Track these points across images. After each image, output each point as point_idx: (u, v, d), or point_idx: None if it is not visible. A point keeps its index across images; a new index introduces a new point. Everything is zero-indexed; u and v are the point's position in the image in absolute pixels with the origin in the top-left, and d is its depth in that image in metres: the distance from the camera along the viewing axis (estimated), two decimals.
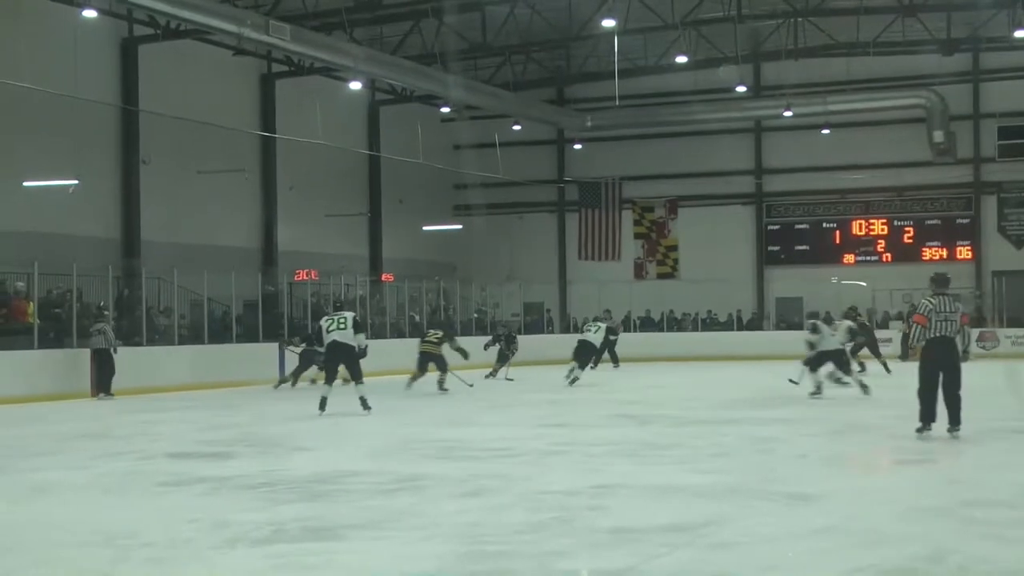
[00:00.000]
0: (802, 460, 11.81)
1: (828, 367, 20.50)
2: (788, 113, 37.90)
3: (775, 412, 16.63)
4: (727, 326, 40.89)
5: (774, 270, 42.40)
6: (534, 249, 44.84)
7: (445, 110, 39.55)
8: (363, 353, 17.92)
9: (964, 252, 40.60)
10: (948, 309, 12.88)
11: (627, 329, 38.24)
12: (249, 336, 28.90)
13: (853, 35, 36.56)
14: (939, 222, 40.92)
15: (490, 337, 29.17)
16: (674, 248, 43.88)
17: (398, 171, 38.56)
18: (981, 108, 40.31)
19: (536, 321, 41.10)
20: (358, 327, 18.02)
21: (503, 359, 28.11)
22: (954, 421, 12.95)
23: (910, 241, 41.09)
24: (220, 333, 28.34)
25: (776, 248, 42.88)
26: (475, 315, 38.34)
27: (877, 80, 39.34)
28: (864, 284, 39.41)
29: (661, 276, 43.56)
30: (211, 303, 28.40)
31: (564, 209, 45.26)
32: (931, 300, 13.01)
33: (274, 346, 27.54)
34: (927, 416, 13.03)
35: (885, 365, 28.11)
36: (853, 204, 41.84)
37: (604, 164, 43.60)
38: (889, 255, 41.27)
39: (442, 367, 23.36)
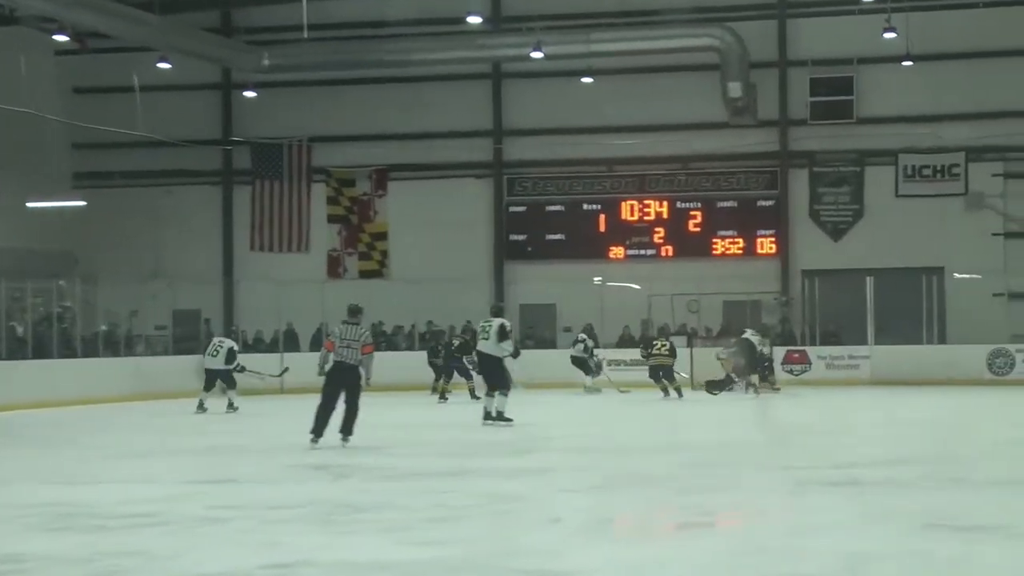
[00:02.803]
0: (556, 525, 11.94)
1: None
2: (538, 54, 38.32)
3: (523, 460, 16.72)
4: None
5: (518, 267, 43.01)
6: (189, 235, 44.35)
7: (61, 38, 38.50)
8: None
9: (767, 245, 41.81)
10: (351, 337, 19.58)
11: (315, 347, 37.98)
12: None
13: None
14: (735, 204, 42.08)
15: None
16: (382, 236, 44.11)
17: None
18: (789, 54, 41.69)
19: (188, 335, 40.44)
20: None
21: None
22: (346, 431, 19.45)
23: (697, 229, 42.08)
24: None
25: (521, 237, 43.46)
26: (103, 327, 37.42)
27: (656, 13, 40.45)
28: (638, 287, 40.29)
29: (365, 275, 43.68)
30: None
31: (232, 181, 44.99)
32: (338, 327, 19.73)
33: None
34: (318, 430, 19.39)
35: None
36: (623, 179, 42.70)
37: (288, 119, 43.55)
38: (670, 248, 42.12)
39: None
